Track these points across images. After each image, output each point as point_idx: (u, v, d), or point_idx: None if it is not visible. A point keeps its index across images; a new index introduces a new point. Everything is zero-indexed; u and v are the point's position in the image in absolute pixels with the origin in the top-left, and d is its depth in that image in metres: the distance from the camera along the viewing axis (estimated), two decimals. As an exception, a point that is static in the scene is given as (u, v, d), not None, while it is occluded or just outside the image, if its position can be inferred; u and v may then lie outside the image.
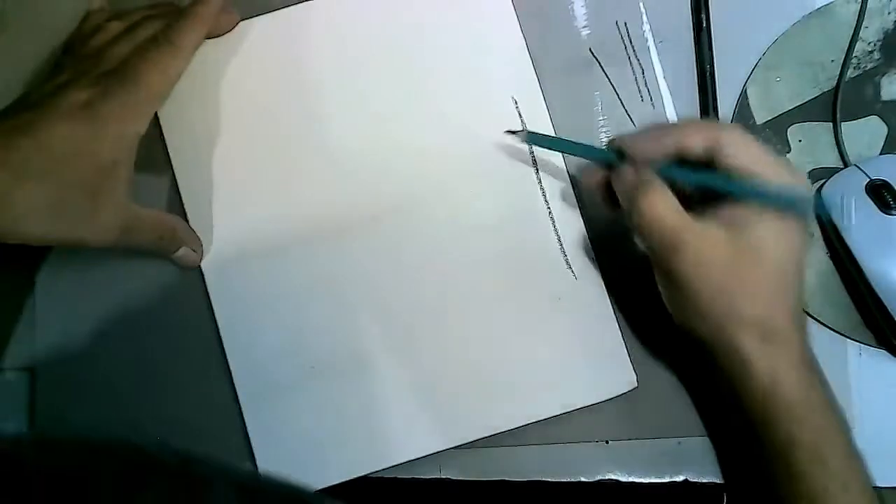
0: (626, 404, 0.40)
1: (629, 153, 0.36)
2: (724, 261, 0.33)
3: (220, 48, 0.43)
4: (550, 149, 0.41)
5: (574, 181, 0.42)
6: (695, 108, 0.43)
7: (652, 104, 0.43)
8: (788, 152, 0.42)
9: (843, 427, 0.34)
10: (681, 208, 0.34)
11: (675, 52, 0.43)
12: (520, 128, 0.42)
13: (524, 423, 0.40)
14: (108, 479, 0.18)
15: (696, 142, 0.35)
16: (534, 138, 0.41)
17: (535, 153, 0.42)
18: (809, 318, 0.41)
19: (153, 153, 0.42)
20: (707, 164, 0.35)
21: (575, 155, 0.40)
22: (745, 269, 0.33)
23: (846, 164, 0.42)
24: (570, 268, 0.41)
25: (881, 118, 0.42)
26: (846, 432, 0.34)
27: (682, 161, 0.35)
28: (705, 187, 0.35)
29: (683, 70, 0.43)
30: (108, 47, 0.38)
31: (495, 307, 0.41)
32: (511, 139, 0.41)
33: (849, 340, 0.41)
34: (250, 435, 0.40)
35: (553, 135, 0.42)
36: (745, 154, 0.34)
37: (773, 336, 0.33)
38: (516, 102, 0.43)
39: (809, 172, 0.42)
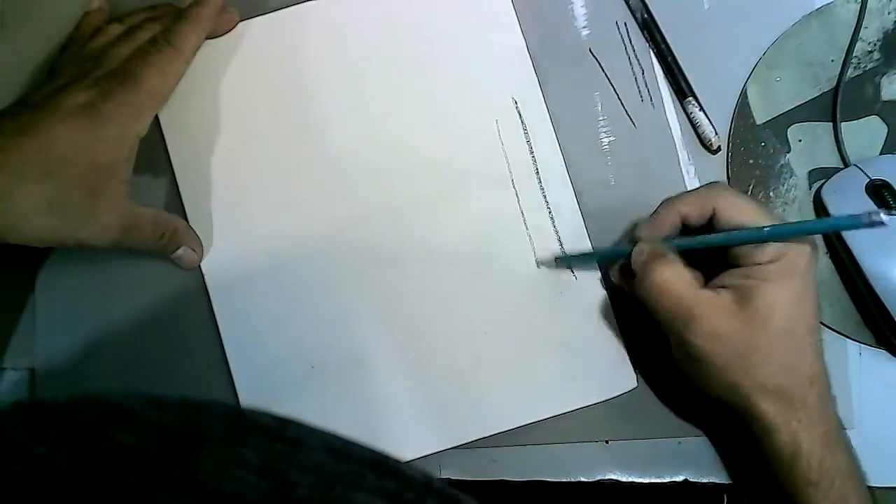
0: (626, 404, 0.40)
1: (640, 237, 0.37)
2: (735, 330, 0.33)
3: (220, 48, 0.43)
4: (585, 263, 0.41)
5: (573, 182, 0.42)
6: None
7: (652, 104, 0.43)
8: (788, 152, 0.42)
9: (867, 499, 0.34)
10: (692, 281, 0.34)
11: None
12: (540, 250, 0.41)
13: (524, 423, 0.40)
14: (211, 433, 0.19)
15: (695, 210, 0.36)
16: (566, 260, 0.41)
17: (534, 153, 0.42)
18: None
19: (153, 153, 0.42)
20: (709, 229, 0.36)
21: (606, 261, 0.40)
22: (756, 336, 0.33)
23: (846, 164, 0.42)
24: (570, 268, 0.41)
25: (881, 118, 0.42)
26: (867, 499, 0.34)
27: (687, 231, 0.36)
28: (708, 247, 0.35)
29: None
30: (109, 49, 0.38)
31: (495, 307, 0.41)
32: (504, 128, 0.42)
33: (849, 340, 0.41)
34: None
35: (584, 251, 0.42)
36: (739, 213, 0.35)
37: (792, 401, 0.33)
38: (516, 102, 0.43)
39: (809, 172, 0.42)
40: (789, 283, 0.33)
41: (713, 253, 0.36)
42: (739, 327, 0.33)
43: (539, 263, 0.41)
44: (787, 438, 0.33)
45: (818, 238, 0.41)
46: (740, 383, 0.34)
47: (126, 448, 0.18)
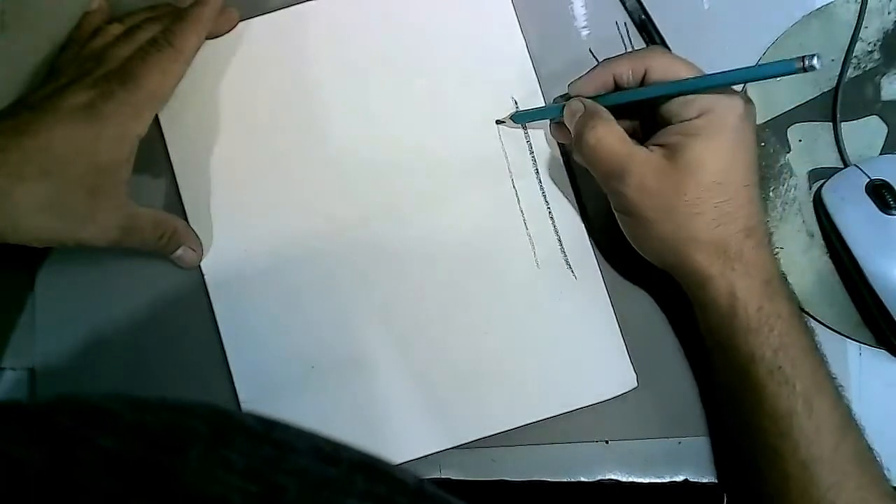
0: (626, 404, 0.40)
1: (571, 93, 0.38)
2: (664, 184, 0.34)
3: (220, 48, 0.43)
4: (536, 119, 0.42)
5: (574, 181, 0.42)
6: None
7: (652, 104, 0.43)
8: (788, 152, 0.42)
9: (813, 346, 0.35)
10: (626, 137, 0.35)
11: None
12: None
13: (524, 423, 0.40)
14: (195, 436, 0.19)
15: (626, 70, 0.36)
16: (520, 117, 0.42)
17: (534, 153, 0.42)
18: (810, 319, 0.41)
19: (153, 153, 0.42)
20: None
21: (553, 117, 0.40)
22: (685, 189, 0.34)
23: (846, 164, 0.42)
24: (570, 268, 0.41)
25: (881, 118, 0.42)
26: (815, 351, 0.35)
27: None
28: (639, 101, 0.36)
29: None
30: (109, 49, 0.38)
31: (495, 307, 0.41)
32: (504, 128, 0.42)
33: (849, 340, 0.41)
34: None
35: (532, 107, 0.42)
36: (669, 69, 0.36)
37: (728, 253, 0.34)
38: (516, 102, 0.43)
39: (809, 172, 0.42)
40: (718, 137, 0.34)
41: (650, 115, 0.37)
42: (670, 182, 0.34)
43: (499, 124, 0.42)
44: (722, 288, 0.34)
45: (819, 240, 0.41)
46: (674, 237, 0.35)
47: (106, 451, 0.18)
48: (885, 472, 0.35)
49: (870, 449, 0.35)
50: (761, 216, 0.35)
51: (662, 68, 0.36)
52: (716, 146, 0.34)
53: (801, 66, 0.30)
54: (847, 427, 0.34)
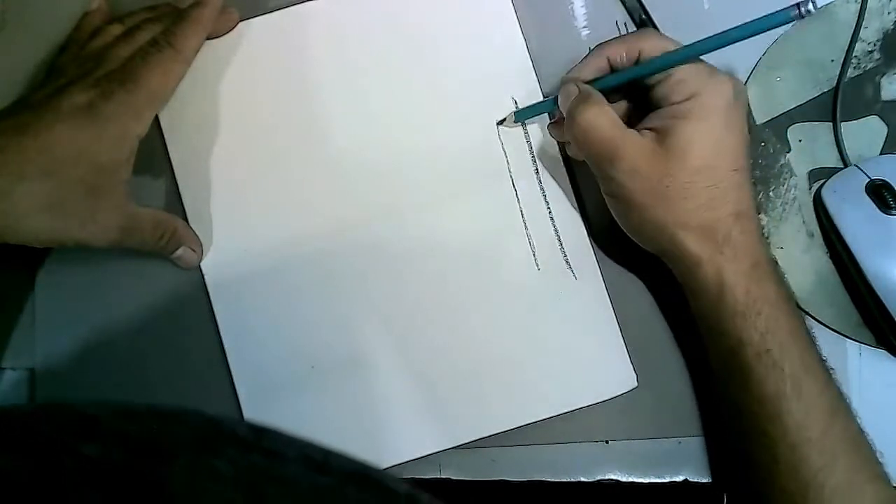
0: (626, 404, 0.40)
1: (566, 78, 0.38)
2: (654, 167, 0.34)
3: (220, 49, 0.43)
4: (536, 114, 0.42)
5: (574, 181, 0.42)
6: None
7: (652, 104, 0.43)
8: (788, 152, 0.42)
9: (802, 329, 0.35)
10: (618, 120, 0.35)
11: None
12: (508, 113, 0.42)
13: (524, 423, 0.40)
14: (182, 444, 0.18)
15: (620, 53, 0.37)
16: (521, 114, 0.42)
17: (534, 153, 0.42)
18: (810, 319, 0.41)
19: (153, 153, 0.42)
20: None
21: (553, 110, 0.40)
22: (674, 173, 0.34)
23: (846, 164, 0.42)
24: (570, 268, 0.41)
25: (881, 118, 0.42)
26: (804, 334, 0.35)
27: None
28: (631, 80, 0.36)
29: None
30: (109, 49, 0.38)
31: (495, 307, 0.41)
32: (504, 128, 0.42)
33: (849, 340, 0.41)
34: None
35: (530, 103, 0.42)
36: (662, 49, 0.36)
37: (716, 236, 0.34)
38: (516, 103, 0.43)
39: (809, 172, 0.42)
40: (707, 119, 0.34)
41: (641, 99, 0.37)
42: (659, 164, 0.34)
43: (500, 124, 0.42)
44: (711, 271, 0.34)
45: (819, 240, 0.41)
46: (663, 220, 0.35)
47: (91, 460, 0.17)
48: (878, 455, 0.35)
49: (861, 431, 0.35)
50: (751, 201, 0.35)
51: (655, 49, 0.36)
52: (704, 129, 0.34)
53: (797, 13, 0.29)
54: (837, 409, 0.34)
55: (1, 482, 0.16)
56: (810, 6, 0.29)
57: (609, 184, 0.36)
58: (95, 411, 0.19)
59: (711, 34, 0.34)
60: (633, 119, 0.38)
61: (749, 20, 0.33)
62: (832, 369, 0.35)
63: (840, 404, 0.34)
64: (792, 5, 0.29)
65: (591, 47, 0.40)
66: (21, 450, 0.17)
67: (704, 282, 0.35)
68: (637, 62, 0.37)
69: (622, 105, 0.39)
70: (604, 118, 0.35)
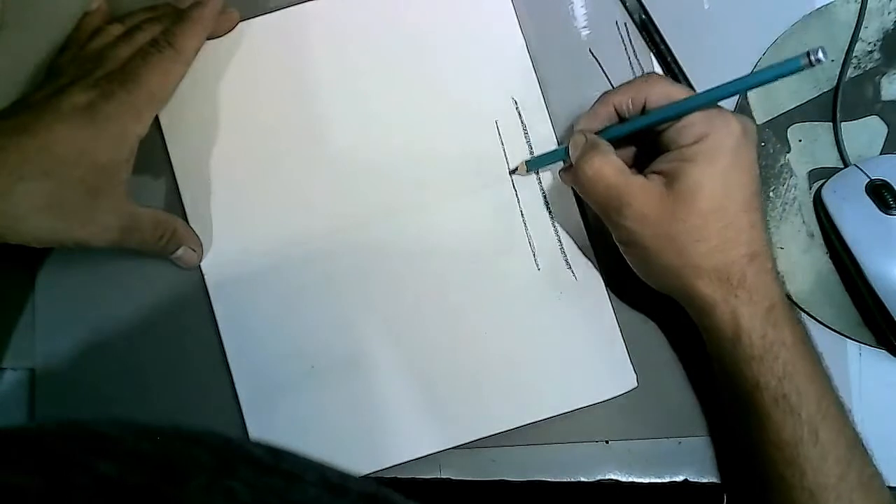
0: (626, 404, 0.40)
1: (576, 129, 0.38)
2: (664, 212, 0.34)
3: (220, 49, 0.43)
4: (548, 163, 0.41)
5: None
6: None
7: (652, 104, 0.43)
8: (788, 152, 0.42)
9: (819, 373, 0.34)
10: (624, 167, 0.35)
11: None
12: (520, 162, 0.42)
13: (524, 423, 0.40)
14: (199, 465, 0.18)
15: (626, 100, 0.37)
16: (533, 163, 0.41)
17: (534, 153, 0.42)
18: (810, 319, 0.41)
19: (153, 153, 0.42)
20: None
21: (564, 158, 0.40)
22: (685, 217, 0.33)
23: (846, 164, 0.42)
24: (570, 268, 0.41)
25: (881, 118, 0.42)
26: (821, 378, 0.34)
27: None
28: (639, 130, 0.36)
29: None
30: (109, 50, 0.38)
31: (495, 307, 0.41)
32: (504, 128, 0.42)
33: (849, 340, 0.41)
34: (250, 435, 0.40)
35: (542, 152, 0.42)
36: (668, 96, 0.35)
37: (730, 279, 0.34)
38: (516, 102, 0.43)
39: (809, 172, 0.42)
40: (716, 162, 0.33)
41: (650, 145, 0.37)
42: (668, 209, 0.34)
43: (512, 174, 0.42)
44: (726, 315, 0.34)
45: (819, 240, 0.41)
46: (676, 265, 0.34)
47: (107, 479, 0.17)
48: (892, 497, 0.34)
49: (877, 475, 0.34)
50: (764, 241, 0.35)
51: (661, 95, 0.36)
52: (713, 171, 0.33)
53: (807, 61, 0.29)
54: (853, 454, 0.34)
55: (13, 500, 0.16)
56: (820, 55, 0.29)
57: (619, 231, 0.36)
58: (110, 430, 0.19)
59: (723, 82, 0.34)
60: (640, 162, 0.38)
61: (761, 69, 0.33)
62: (849, 410, 0.35)
63: (856, 448, 0.34)
64: (803, 54, 0.29)
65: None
66: (33, 467, 0.17)
67: (720, 325, 0.34)
68: (644, 109, 0.36)
69: (629, 150, 0.39)
70: (609, 167, 0.35)
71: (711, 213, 0.33)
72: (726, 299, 0.34)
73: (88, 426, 0.19)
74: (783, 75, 0.31)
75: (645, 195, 0.34)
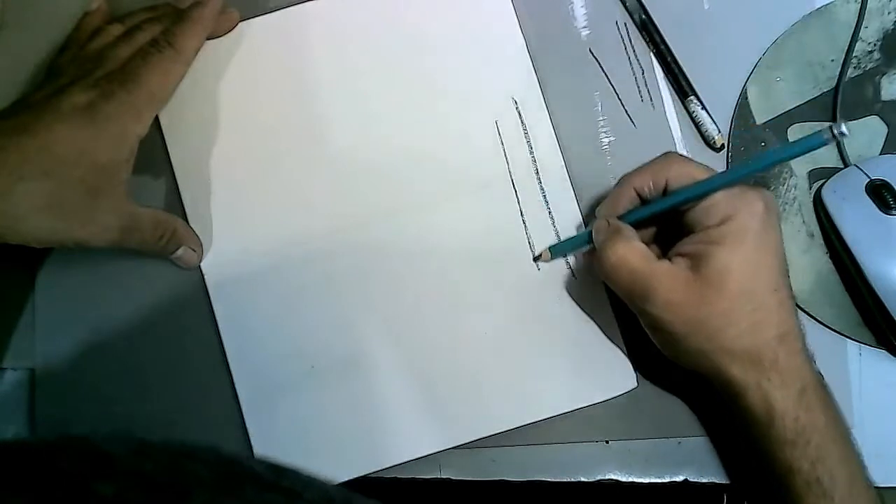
0: (626, 404, 0.40)
1: (598, 215, 0.38)
2: (691, 296, 0.33)
3: (220, 49, 0.43)
4: (572, 250, 0.41)
5: (573, 182, 0.42)
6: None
7: (652, 104, 0.43)
8: (788, 152, 0.42)
9: (850, 455, 0.34)
10: (648, 253, 0.35)
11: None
12: (541, 249, 0.41)
13: (524, 423, 0.40)
14: (199, 482, 0.18)
15: (647, 182, 0.36)
16: (556, 249, 0.41)
17: (534, 153, 0.42)
18: (810, 319, 0.41)
19: (153, 153, 0.42)
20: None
21: (587, 243, 0.39)
22: (714, 301, 0.33)
23: (846, 164, 0.42)
24: (570, 268, 0.41)
25: (881, 118, 0.42)
26: (853, 460, 0.34)
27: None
28: (660, 213, 0.36)
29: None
30: (109, 50, 0.38)
31: (495, 307, 0.41)
32: (504, 129, 0.42)
33: (849, 340, 0.41)
34: (250, 435, 0.40)
35: (565, 238, 0.42)
36: (688, 175, 0.35)
37: (762, 362, 0.33)
38: (516, 102, 0.43)
39: (809, 172, 0.42)
40: (742, 243, 0.33)
41: (674, 225, 0.36)
42: (696, 293, 0.33)
43: (536, 260, 0.41)
44: (758, 399, 0.34)
45: (819, 240, 0.41)
46: (706, 349, 0.34)
47: (105, 499, 0.17)
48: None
49: None
50: (793, 320, 0.34)
51: (682, 175, 0.35)
52: (741, 254, 0.33)
53: (830, 135, 0.29)
54: None
55: None
56: (843, 129, 0.29)
57: (646, 317, 0.35)
58: (109, 447, 0.18)
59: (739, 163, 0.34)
60: (663, 241, 0.38)
61: (784, 146, 0.32)
62: (877, 488, 0.35)
63: None
64: (825, 128, 0.29)
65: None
66: (34, 490, 0.17)
67: (752, 409, 0.34)
68: (665, 191, 0.36)
69: (651, 230, 0.39)
70: (633, 254, 0.34)
71: (740, 296, 0.33)
72: (759, 383, 0.33)
73: (86, 442, 0.19)
74: (804, 152, 0.32)
75: (671, 280, 0.34)
